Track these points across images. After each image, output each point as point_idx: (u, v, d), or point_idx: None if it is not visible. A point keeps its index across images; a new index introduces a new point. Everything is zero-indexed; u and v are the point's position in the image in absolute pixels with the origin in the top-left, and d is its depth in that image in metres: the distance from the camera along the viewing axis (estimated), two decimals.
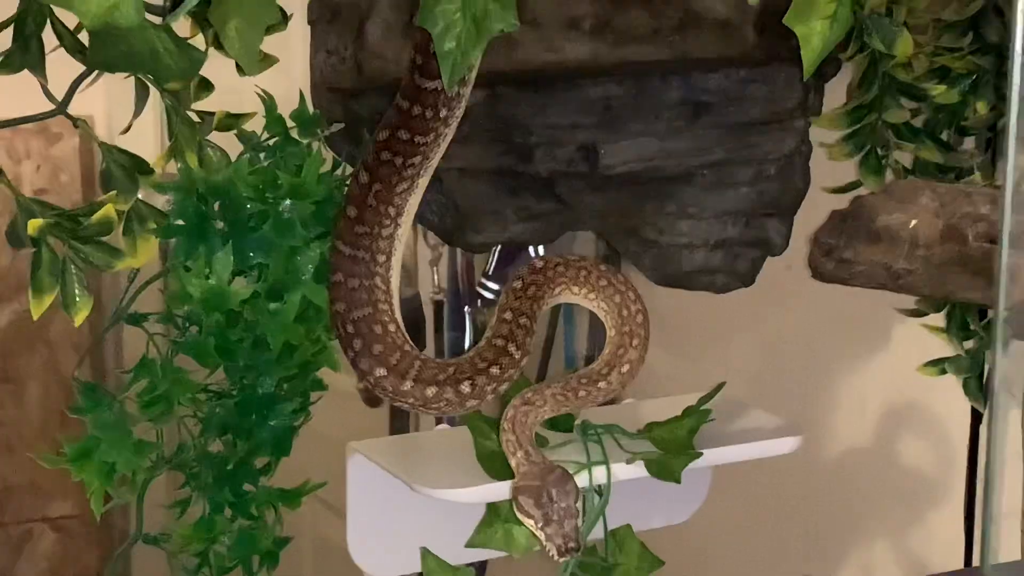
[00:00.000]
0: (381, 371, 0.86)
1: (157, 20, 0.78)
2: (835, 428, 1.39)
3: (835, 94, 1.08)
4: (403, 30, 0.97)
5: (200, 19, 0.78)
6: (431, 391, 0.87)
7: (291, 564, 1.02)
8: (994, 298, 0.83)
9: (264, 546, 0.93)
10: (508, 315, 0.90)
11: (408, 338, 0.90)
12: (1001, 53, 0.99)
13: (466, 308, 1.68)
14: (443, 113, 0.87)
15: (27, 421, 2.42)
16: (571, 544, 0.81)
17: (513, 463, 0.85)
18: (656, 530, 1.01)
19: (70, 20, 0.79)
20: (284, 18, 0.86)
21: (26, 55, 0.81)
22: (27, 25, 0.81)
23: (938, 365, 1.10)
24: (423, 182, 0.90)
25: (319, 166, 0.91)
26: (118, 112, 0.83)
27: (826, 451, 1.40)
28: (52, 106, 0.85)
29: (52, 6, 0.78)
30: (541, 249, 1.36)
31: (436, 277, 1.77)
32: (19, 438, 2.40)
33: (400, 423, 1.86)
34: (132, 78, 0.87)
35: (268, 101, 0.93)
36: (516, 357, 0.88)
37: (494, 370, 0.87)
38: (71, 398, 0.89)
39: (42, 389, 2.41)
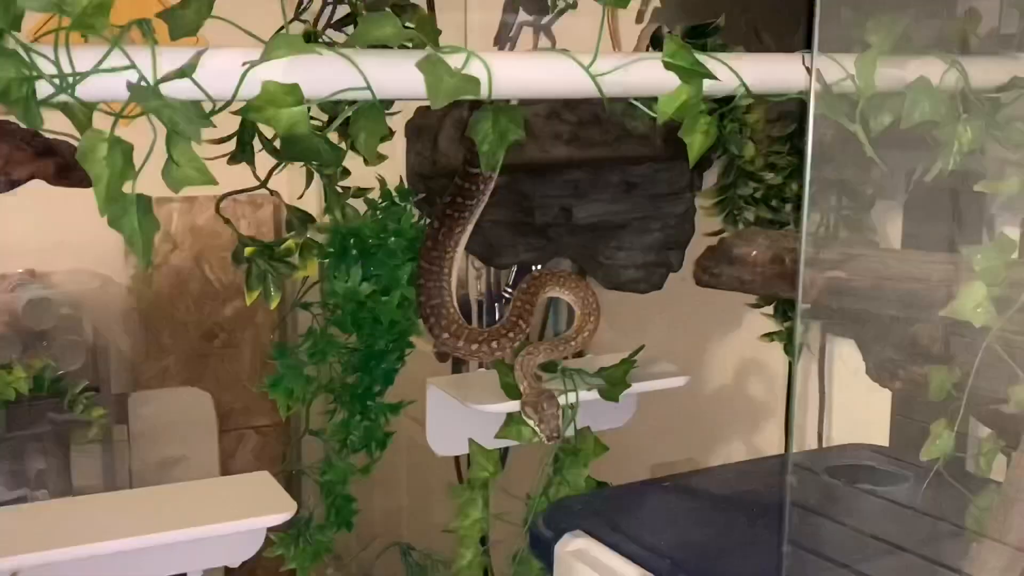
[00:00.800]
0: (446, 335, 1.05)
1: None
2: (709, 372, 1.63)
3: (710, 179, 1.27)
4: (459, 140, 1.14)
5: (343, 131, 0.83)
6: (474, 346, 1.05)
7: (393, 451, 1.19)
8: (799, 296, 1.10)
9: (378, 436, 1.15)
10: (518, 303, 1.08)
11: (461, 317, 1.08)
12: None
13: (495, 303, 1.91)
14: (482, 187, 1.03)
15: (243, 368, 3.22)
16: (555, 434, 1.02)
17: (522, 388, 1.05)
18: (604, 431, 1.21)
19: (267, 132, 0.93)
20: (391, 133, 0.93)
21: (244, 154, 0.95)
22: (245, 136, 0.94)
23: (769, 336, 1.30)
24: (470, 228, 1.06)
25: (410, 219, 1.11)
26: (295, 187, 1.12)
27: (703, 386, 1.62)
28: (257, 183, 1.02)
29: (258, 123, 0.87)
30: (539, 267, 1.43)
31: (479, 285, 1.94)
32: (237, 379, 3.18)
33: (457, 369, 2.03)
34: (304, 167, 1.03)
35: (382, 181, 1.12)
36: (523, 327, 1.07)
37: (511, 334, 1.06)
38: (268, 353, 1.13)
39: (251, 349, 3.23)
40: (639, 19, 1.67)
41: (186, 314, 3.25)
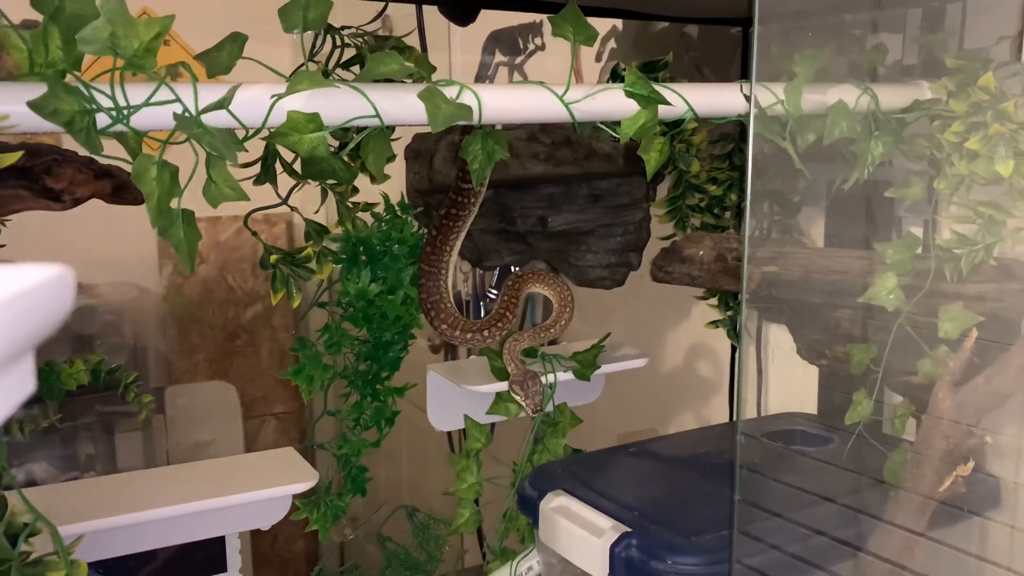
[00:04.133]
0: (444, 326, 1.06)
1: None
2: (665, 355, 1.64)
3: (662, 191, 1.25)
4: (452, 160, 1.15)
5: (354, 153, 0.82)
6: (469, 335, 1.06)
7: (397, 429, 1.17)
8: (741, 288, 1.11)
9: (387, 415, 1.13)
10: (505, 298, 1.09)
11: (457, 310, 1.08)
12: (742, 169, 1.20)
13: (481, 302, 1.92)
14: (473, 200, 1.03)
15: (262, 363, 3.24)
16: (539, 408, 1.04)
17: (509, 369, 1.06)
18: (577, 406, 1.20)
19: (287, 156, 0.94)
20: (394, 155, 0.86)
21: (267, 175, 0.95)
22: (268, 160, 0.95)
23: (714, 323, 1.29)
24: (463, 234, 1.05)
25: (411, 229, 1.10)
26: (310, 204, 1.11)
27: (660, 366, 1.64)
28: (278, 200, 0.99)
29: (280, 148, 0.87)
30: (517, 268, 1.44)
31: (467, 287, 1.95)
32: (258, 372, 3.22)
33: (451, 357, 2.10)
34: (319, 186, 1.03)
35: (386, 197, 1.10)
36: (509, 318, 1.07)
37: (499, 324, 1.07)
38: (285, 349, 1.18)
39: (269, 347, 3.23)
40: (598, 58, 1.69)
41: (212, 318, 3.25)
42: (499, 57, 2.04)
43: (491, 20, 2.03)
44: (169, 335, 3.18)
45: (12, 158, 0.52)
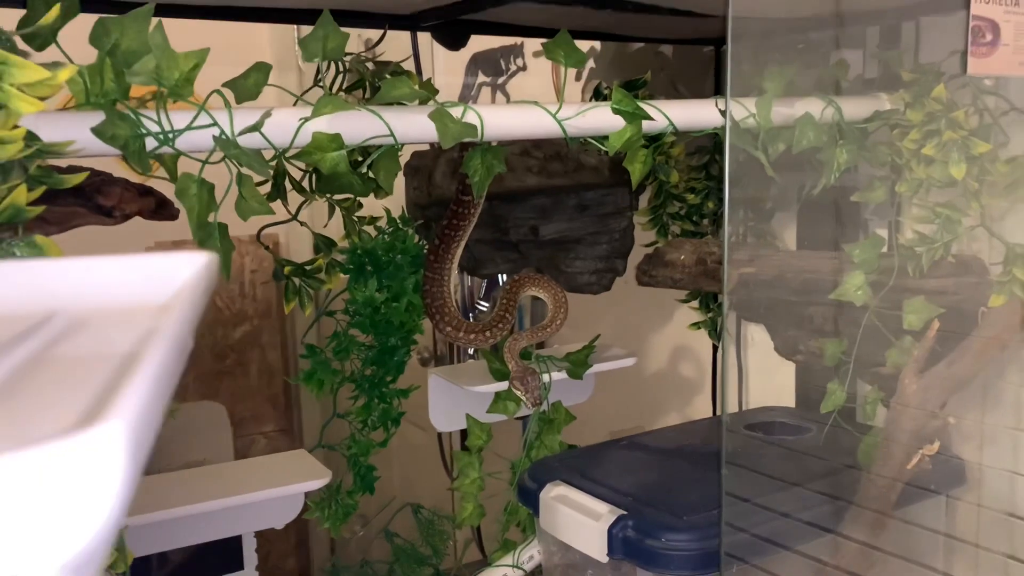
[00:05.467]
0: (449, 328, 1.08)
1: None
2: (650, 356, 1.68)
3: (644, 200, 1.30)
4: (451, 176, 1.20)
5: (365, 169, 0.86)
6: (472, 336, 1.09)
7: (402, 430, 1.20)
8: (722, 290, 1.17)
9: (392, 416, 1.17)
10: (504, 300, 1.12)
11: (460, 313, 1.11)
12: (718, 179, 1.27)
13: (470, 314, 1.95)
14: (472, 211, 1.06)
15: (251, 383, 3.25)
16: (538, 401, 1.08)
17: (510, 367, 1.09)
18: (571, 405, 1.23)
19: (295, 175, 0.99)
20: (400, 168, 0.89)
21: (278, 192, 0.99)
22: (278, 178, 0.99)
23: (696, 325, 1.35)
24: (464, 243, 1.09)
25: (413, 240, 1.14)
26: (319, 220, 1.14)
27: (646, 367, 1.68)
28: (288, 217, 1.03)
29: (288, 163, 0.93)
30: (505, 276, 1.53)
31: (457, 298, 1.91)
32: (247, 392, 3.21)
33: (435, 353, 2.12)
34: (326, 201, 1.07)
35: (388, 211, 1.15)
36: (509, 319, 1.10)
37: (500, 325, 1.09)
38: (287, 356, 1.22)
39: (258, 366, 3.25)
40: (578, 78, 1.77)
41: (201, 338, 3.29)
42: (481, 78, 2.12)
43: (473, 43, 2.10)
44: None
45: (79, 178, 0.59)
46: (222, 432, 3.13)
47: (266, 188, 1.00)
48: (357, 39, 1.12)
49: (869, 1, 1.14)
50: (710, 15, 1.11)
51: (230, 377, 3.34)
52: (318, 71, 1.11)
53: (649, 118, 0.88)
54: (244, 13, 1.04)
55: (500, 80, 2.07)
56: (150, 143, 0.69)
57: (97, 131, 0.63)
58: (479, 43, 2.08)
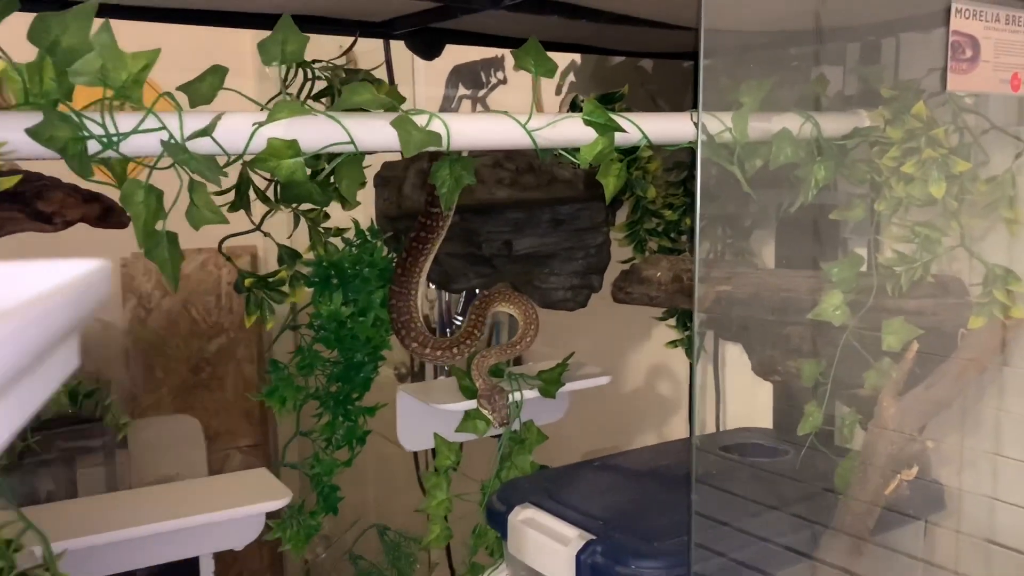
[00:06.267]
0: (415, 344, 1.07)
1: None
2: (626, 374, 1.68)
3: (621, 216, 1.29)
4: (421, 187, 1.17)
5: (327, 179, 0.84)
6: (438, 352, 1.08)
7: (368, 449, 1.18)
8: (696, 307, 1.13)
9: (358, 435, 1.15)
10: (472, 316, 1.11)
11: (427, 329, 1.10)
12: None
13: (447, 329, 1.92)
14: (441, 223, 1.05)
15: (227, 396, 3.20)
16: (505, 420, 1.08)
17: (477, 384, 1.09)
18: (544, 424, 1.22)
19: (260, 184, 0.97)
20: (365, 181, 0.88)
21: (242, 202, 0.97)
22: (242, 187, 0.96)
23: (673, 343, 1.35)
24: (432, 257, 1.08)
25: (381, 252, 1.12)
26: (281, 232, 1.12)
27: (622, 386, 1.67)
28: (252, 227, 1.00)
29: (253, 172, 0.88)
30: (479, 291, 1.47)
31: (433, 314, 1.94)
32: (222, 406, 3.17)
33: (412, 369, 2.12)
34: (291, 212, 1.06)
35: (356, 223, 1.13)
36: (477, 335, 1.10)
37: (468, 342, 1.08)
38: (263, 369, 1.20)
39: (234, 380, 3.20)
40: (558, 91, 1.75)
41: (176, 351, 3.24)
42: (462, 90, 2.10)
43: (455, 55, 2.08)
44: (133, 369, 3.17)
45: (11, 181, 0.56)
46: (196, 446, 3.09)
47: (229, 197, 0.98)
48: (337, 48, 1.10)
49: (848, 17, 1.13)
50: (687, 28, 1.09)
51: (205, 390, 3.30)
52: (285, 77, 1.10)
53: (621, 130, 0.85)
54: (211, 17, 1.02)
55: (481, 93, 2.06)
56: (94, 147, 0.65)
57: (33, 132, 0.60)
58: (460, 55, 2.06)
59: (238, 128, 0.71)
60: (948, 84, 0.91)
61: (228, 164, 0.74)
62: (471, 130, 0.82)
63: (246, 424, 3.33)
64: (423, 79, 2.13)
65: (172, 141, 0.68)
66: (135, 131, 0.66)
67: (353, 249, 1.14)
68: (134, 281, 3.13)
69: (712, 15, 0.84)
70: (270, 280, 1.10)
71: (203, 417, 3.13)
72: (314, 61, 1.07)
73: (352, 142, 0.76)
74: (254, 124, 0.72)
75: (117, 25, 0.67)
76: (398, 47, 1.30)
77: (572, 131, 0.86)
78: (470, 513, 1.20)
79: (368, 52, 1.60)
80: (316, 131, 0.75)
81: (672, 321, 1.33)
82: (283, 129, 0.73)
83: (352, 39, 1.14)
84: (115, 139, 0.65)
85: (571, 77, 1.69)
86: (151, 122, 0.68)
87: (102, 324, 2.98)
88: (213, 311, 3.24)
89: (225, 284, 3.19)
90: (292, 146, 0.73)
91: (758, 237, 1.30)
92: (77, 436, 2.70)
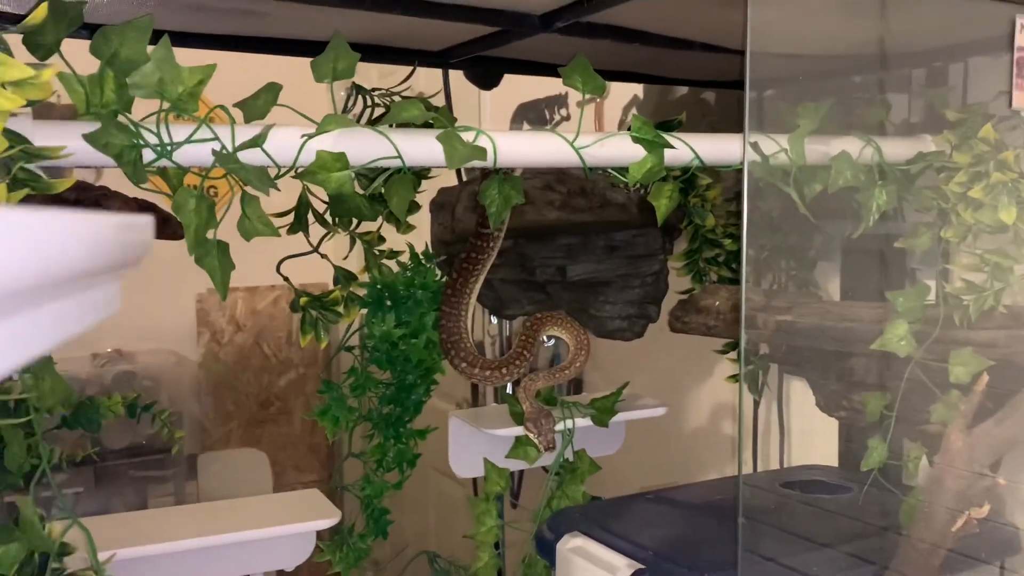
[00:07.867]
0: (464, 364, 1.08)
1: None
2: (686, 408, 1.65)
3: (680, 245, 1.27)
4: (473, 208, 1.16)
5: (376, 194, 0.85)
6: (487, 372, 1.08)
7: (419, 473, 1.18)
8: (750, 338, 1.16)
9: (409, 457, 1.14)
10: (523, 338, 1.12)
11: (476, 349, 1.10)
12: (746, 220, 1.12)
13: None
14: (491, 244, 1.06)
15: (294, 432, 3.27)
16: (551, 445, 1.05)
17: (524, 407, 1.08)
18: (599, 456, 1.21)
19: (319, 208, 1.00)
20: (419, 206, 0.98)
21: (300, 224, 1.00)
22: (301, 210, 1.00)
23: (734, 377, 1.34)
24: (482, 278, 1.08)
25: (434, 275, 1.12)
26: (338, 252, 1.11)
27: (682, 420, 1.65)
28: (309, 248, 1.04)
29: (310, 197, 0.97)
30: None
31: (495, 341, 1.95)
32: (289, 441, 3.26)
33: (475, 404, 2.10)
34: (348, 235, 1.07)
35: (411, 246, 1.13)
36: (527, 357, 1.09)
37: (517, 363, 1.09)
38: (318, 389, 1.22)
39: (303, 412, 3.23)
40: (621, 125, 1.76)
41: (247, 386, 3.32)
42: (526, 127, 2.13)
43: (520, 93, 2.11)
44: (204, 402, 3.25)
45: (67, 183, 0.59)
46: (262, 480, 3.13)
47: (288, 219, 1.01)
48: (394, 80, 1.14)
49: (913, 42, 1.11)
50: (741, 51, 1.08)
51: (273, 425, 3.36)
52: (346, 104, 1.13)
53: (669, 146, 0.85)
54: (271, 45, 1.05)
55: (545, 129, 2.08)
56: (148, 155, 0.68)
57: (89, 138, 0.63)
58: (526, 93, 2.09)
59: (288, 140, 0.74)
60: (1013, 102, 0.89)
61: (279, 176, 0.76)
62: (518, 146, 0.82)
63: (312, 459, 3.37)
64: (488, 116, 2.17)
65: (224, 151, 0.70)
66: (188, 140, 0.69)
67: (407, 272, 1.14)
68: (208, 316, 3.23)
69: (759, 38, 0.84)
70: (324, 299, 1.12)
71: (271, 451, 3.19)
72: (374, 89, 1.10)
73: (399, 155, 0.77)
74: (303, 136, 0.74)
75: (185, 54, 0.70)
76: (464, 85, 1.33)
77: (621, 149, 0.86)
78: (522, 541, 1.18)
79: (433, 87, 1.63)
80: (364, 145, 0.76)
81: (733, 355, 1.30)
82: (331, 142, 0.75)
83: (412, 67, 1.16)
84: (169, 148, 0.68)
85: (634, 110, 1.70)
86: (204, 133, 0.70)
87: (176, 358, 3.07)
88: (284, 347, 3.31)
89: (296, 320, 3.27)
90: (340, 159, 0.75)
91: (823, 269, 1.27)
92: (149, 466, 2.78)
